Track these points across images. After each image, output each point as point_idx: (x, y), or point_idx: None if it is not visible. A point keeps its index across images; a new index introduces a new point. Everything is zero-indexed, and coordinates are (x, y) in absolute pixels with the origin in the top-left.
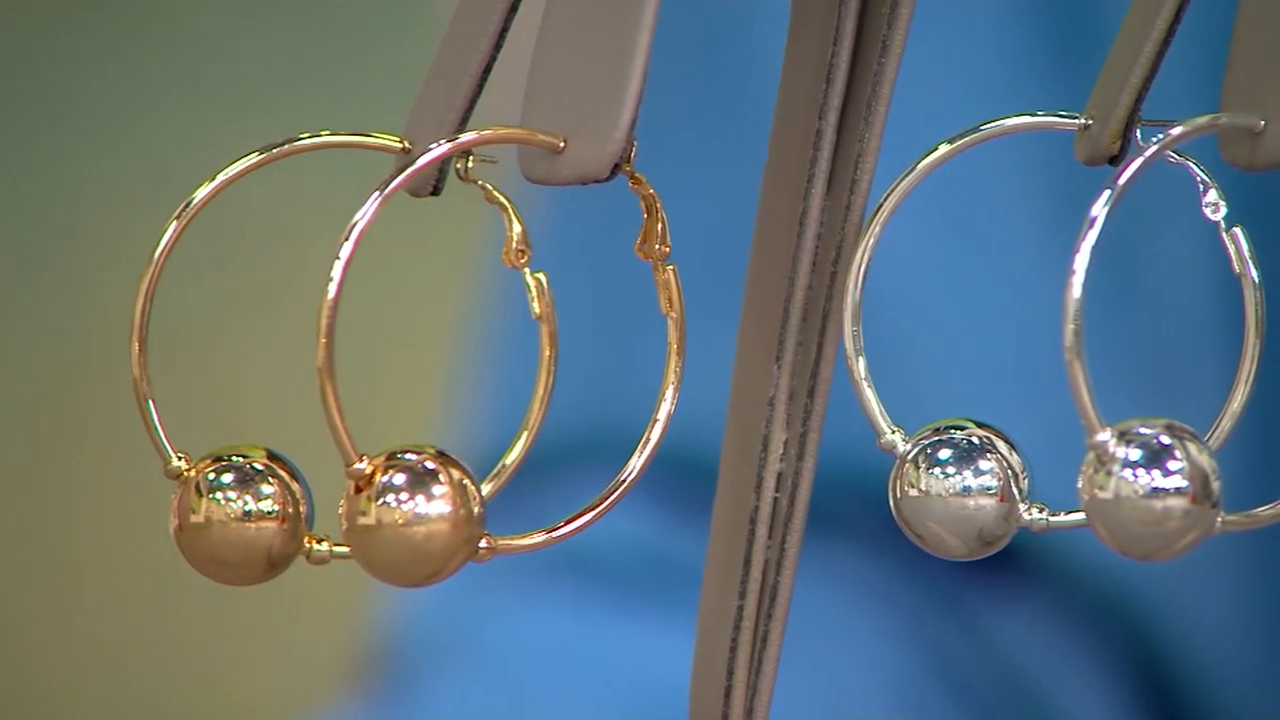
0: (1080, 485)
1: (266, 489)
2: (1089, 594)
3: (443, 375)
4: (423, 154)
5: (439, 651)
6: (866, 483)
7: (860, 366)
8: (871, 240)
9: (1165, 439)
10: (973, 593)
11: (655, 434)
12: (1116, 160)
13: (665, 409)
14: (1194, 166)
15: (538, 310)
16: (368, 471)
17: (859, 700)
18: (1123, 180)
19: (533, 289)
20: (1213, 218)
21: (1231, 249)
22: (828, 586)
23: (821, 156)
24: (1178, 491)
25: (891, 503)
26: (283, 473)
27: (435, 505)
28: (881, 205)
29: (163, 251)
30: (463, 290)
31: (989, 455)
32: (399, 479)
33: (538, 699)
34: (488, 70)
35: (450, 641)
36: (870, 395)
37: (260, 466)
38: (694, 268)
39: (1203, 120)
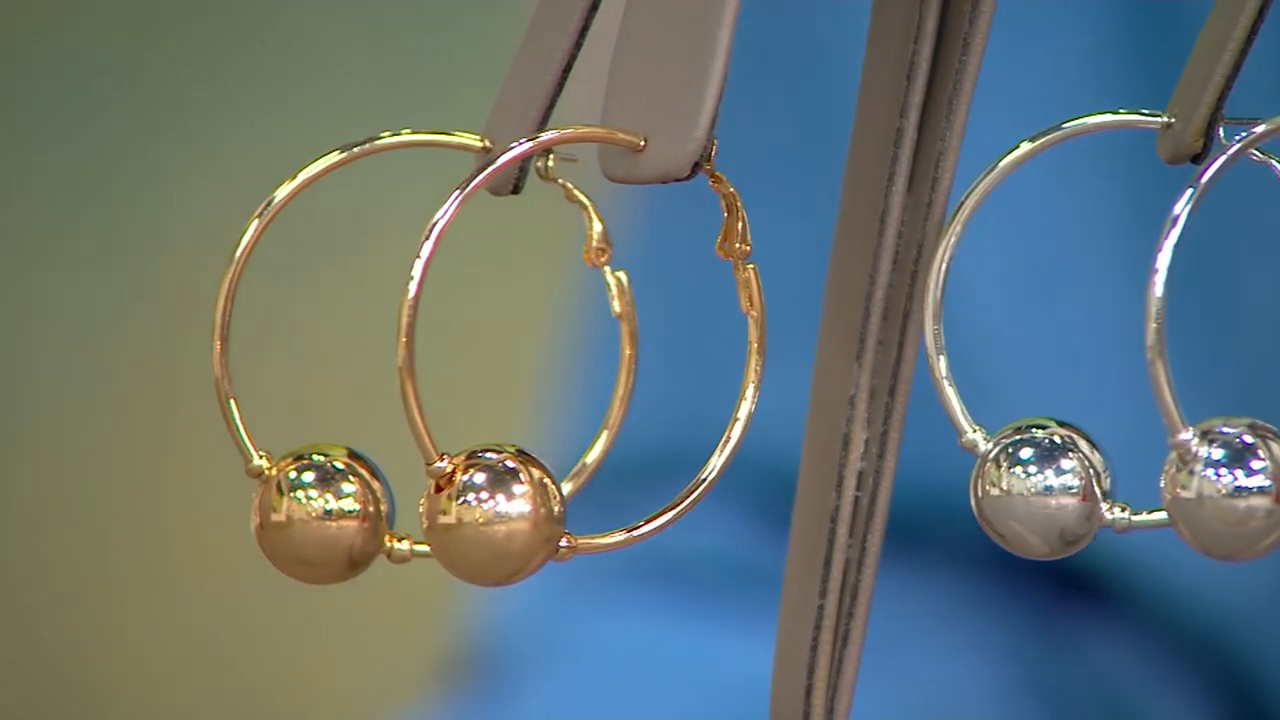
0: (1162, 485)
1: (347, 487)
2: (1182, 613)
3: (524, 374)
4: (503, 153)
5: (526, 654)
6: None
7: (941, 365)
8: (953, 238)
9: (1248, 438)
10: (1067, 608)
11: (736, 433)
12: (1199, 159)
13: (746, 408)
14: (1277, 165)
15: (618, 309)
16: (448, 470)
17: (954, 713)
18: (1205, 178)
19: (613, 288)
20: None
21: None
22: (924, 599)
23: (902, 155)
24: (1260, 491)
25: (973, 502)
26: (363, 471)
27: (516, 504)
28: (963, 203)
29: (244, 250)
30: (545, 289)
31: (1071, 454)
32: (480, 478)
33: (623, 702)
34: (568, 68)
35: (537, 644)
36: (951, 394)
37: (341, 465)
38: (775, 266)
39: None
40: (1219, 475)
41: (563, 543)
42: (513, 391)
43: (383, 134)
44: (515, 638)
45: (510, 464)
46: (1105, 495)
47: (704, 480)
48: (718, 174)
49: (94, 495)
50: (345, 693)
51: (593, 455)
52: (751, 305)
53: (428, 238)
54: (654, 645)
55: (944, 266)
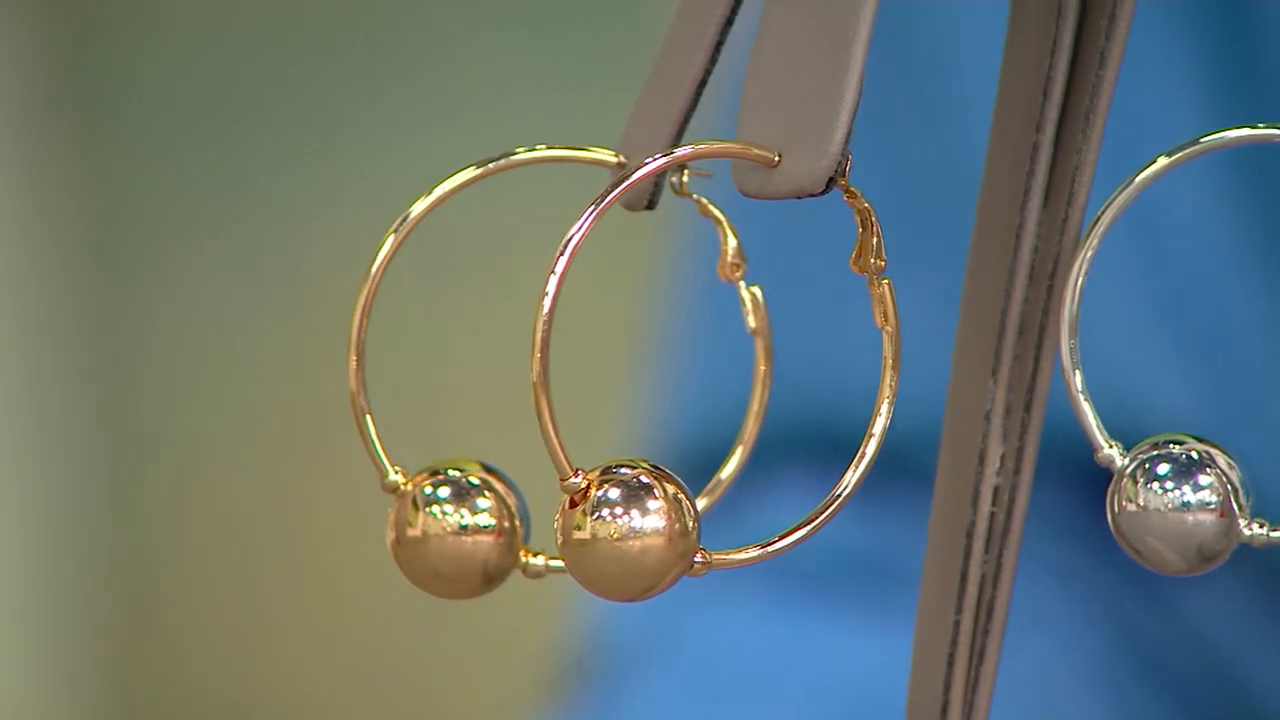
0: None
1: (482, 503)
2: None
3: (656, 389)
4: (638, 168)
5: (641, 656)
6: (1055, 464)
7: (1078, 380)
8: (1089, 253)
9: None
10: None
11: (870, 449)
12: None
13: (880, 424)
14: None
15: (753, 324)
16: (583, 486)
17: (1055, 684)
18: None
19: (748, 303)
20: None
21: None
22: (1020, 570)
23: (1038, 169)
24: None
25: (1109, 517)
26: (498, 486)
27: (650, 520)
28: (1099, 218)
29: (380, 265)
30: (676, 304)
31: (1208, 470)
32: (614, 493)
33: (739, 703)
34: (703, 84)
35: (652, 646)
36: (1087, 409)
37: (476, 480)
38: (909, 281)
39: None
40: None
41: (697, 558)
42: (645, 405)
43: (519, 149)
44: (631, 641)
45: (645, 479)
46: (1243, 511)
47: (839, 495)
48: (852, 189)
49: (228, 511)
50: (461, 701)
51: (727, 471)
52: (886, 320)
53: (562, 253)
54: (766, 641)
55: (1080, 281)
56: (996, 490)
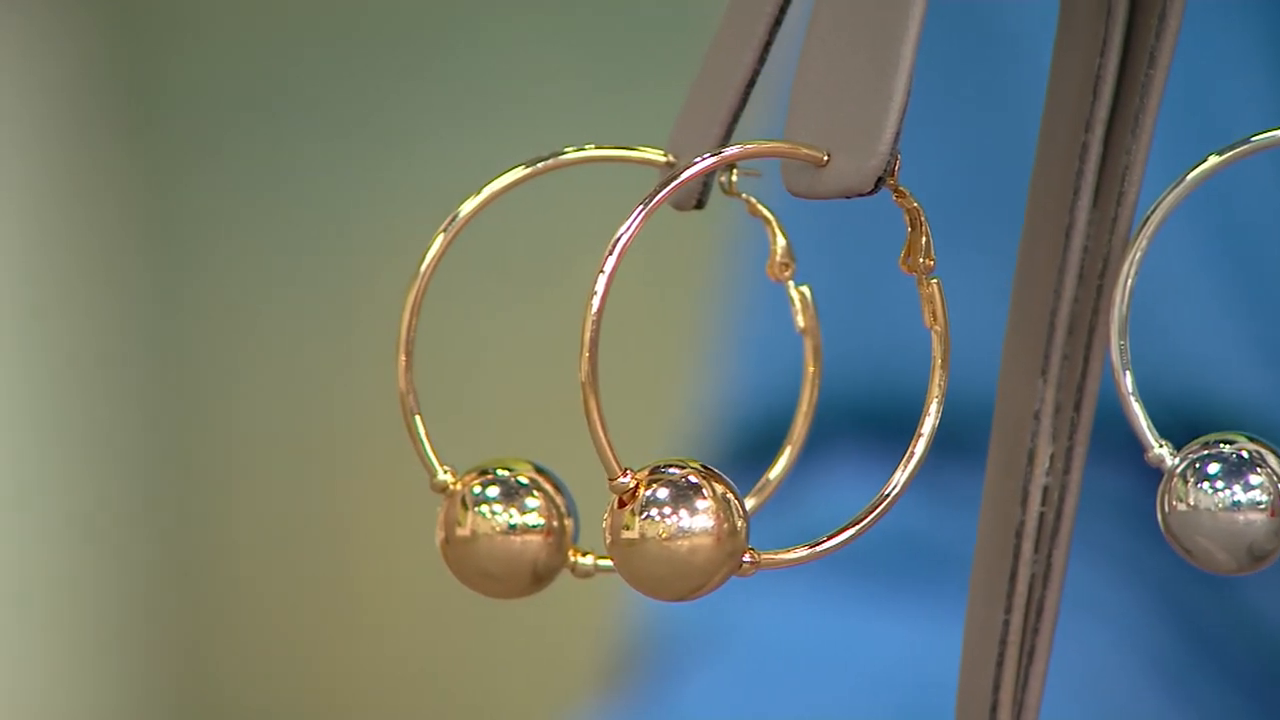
0: None
1: (532, 502)
2: None
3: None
4: (686, 168)
5: (694, 646)
6: (1115, 450)
7: (1128, 381)
8: (1138, 253)
9: None
10: None
11: (920, 448)
12: None
13: (930, 423)
14: None
15: (801, 324)
16: (632, 485)
17: (1115, 673)
18: None
19: (796, 302)
20: None
21: None
22: (1076, 556)
23: (1088, 169)
24: None
25: (1159, 517)
26: (547, 486)
27: (699, 520)
28: (1148, 218)
29: (429, 264)
30: (724, 303)
31: (1259, 469)
32: (663, 493)
33: (793, 692)
34: (752, 83)
35: (705, 636)
36: (1138, 409)
37: (525, 480)
38: (957, 280)
39: None
40: None
41: (746, 558)
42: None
43: (567, 149)
44: (685, 630)
45: (693, 479)
46: None
47: (888, 495)
48: (901, 189)
49: (277, 511)
50: (515, 695)
51: (776, 471)
52: (935, 320)
53: (611, 252)
54: (820, 629)
55: (1130, 281)
56: (1046, 490)
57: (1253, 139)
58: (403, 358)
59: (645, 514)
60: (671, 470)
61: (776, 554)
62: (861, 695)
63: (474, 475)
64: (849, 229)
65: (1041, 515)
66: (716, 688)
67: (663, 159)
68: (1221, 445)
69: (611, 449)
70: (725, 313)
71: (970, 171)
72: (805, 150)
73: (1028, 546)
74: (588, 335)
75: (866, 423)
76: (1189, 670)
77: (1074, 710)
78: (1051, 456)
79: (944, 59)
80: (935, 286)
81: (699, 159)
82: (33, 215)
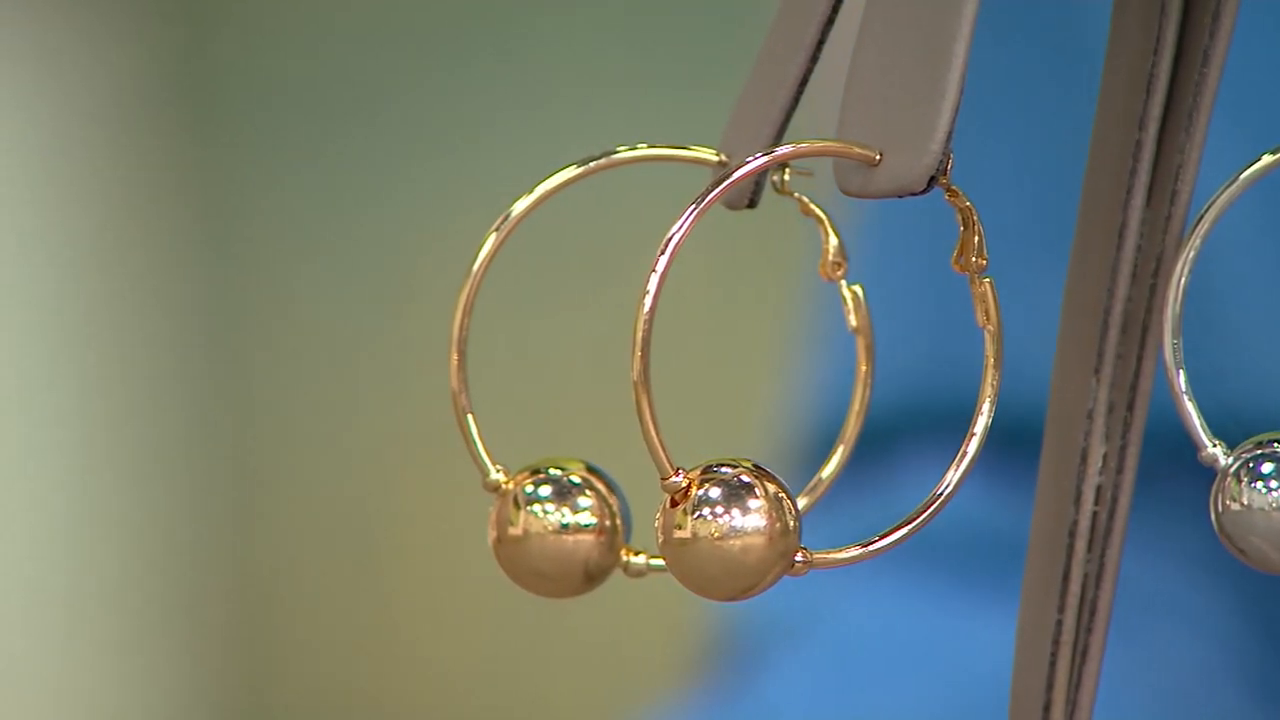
0: None
1: (584, 501)
2: None
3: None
4: (739, 167)
5: (776, 639)
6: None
7: (1181, 380)
8: (1192, 252)
9: None
10: None
11: (973, 447)
12: None
13: (982, 423)
14: None
15: (854, 323)
16: (684, 485)
17: (1196, 673)
18: None
19: (849, 302)
20: None
21: None
22: (1158, 558)
23: (1141, 167)
24: None
25: (1213, 517)
26: (600, 485)
27: (751, 519)
28: (1202, 216)
29: (482, 264)
30: (778, 303)
31: None
32: (715, 492)
33: (875, 684)
34: (804, 82)
35: (788, 628)
36: (1191, 409)
37: (578, 479)
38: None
39: None
40: None
41: (798, 557)
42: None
43: (619, 148)
44: (766, 623)
45: (745, 478)
46: None
47: (940, 494)
48: (954, 188)
49: (331, 510)
50: (595, 689)
51: (828, 469)
52: (988, 319)
53: (663, 252)
54: (898, 624)
55: (1183, 280)
56: (1099, 489)
57: None
58: (455, 357)
59: (697, 513)
60: (724, 469)
61: (829, 553)
62: (946, 687)
63: (526, 474)
64: (903, 229)
65: (1095, 514)
66: (802, 679)
67: (715, 158)
68: (1275, 445)
69: (664, 448)
70: (798, 313)
71: (1022, 169)
72: (858, 149)
73: (1081, 546)
74: (640, 334)
75: (940, 423)
76: (1273, 671)
77: (1156, 712)
78: (1105, 455)
79: (996, 58)
80: (988, 286)
81: (751, 158)
82: (91, 211)
